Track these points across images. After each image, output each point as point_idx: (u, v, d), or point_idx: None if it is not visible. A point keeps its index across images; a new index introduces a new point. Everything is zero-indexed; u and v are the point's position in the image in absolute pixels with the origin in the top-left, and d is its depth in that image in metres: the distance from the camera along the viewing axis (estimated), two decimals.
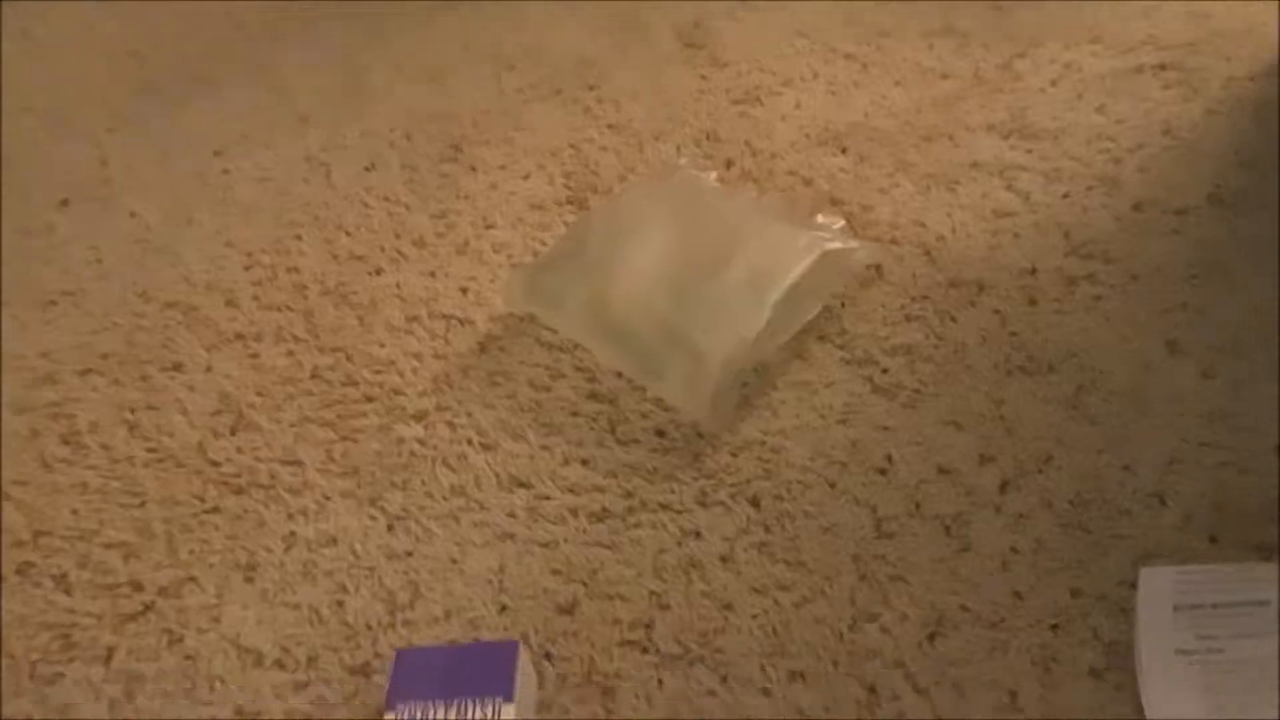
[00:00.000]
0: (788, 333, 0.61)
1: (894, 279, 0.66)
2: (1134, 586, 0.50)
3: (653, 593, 0.52)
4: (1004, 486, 0.55)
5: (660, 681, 0.48)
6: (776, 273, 0.61)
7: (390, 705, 0.42)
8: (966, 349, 0.62)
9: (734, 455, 0.58)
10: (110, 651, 0.51)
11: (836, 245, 0.64)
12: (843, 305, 0.65)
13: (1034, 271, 0.66)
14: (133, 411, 0.63)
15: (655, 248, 0.63)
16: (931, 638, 0.49)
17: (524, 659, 0.45)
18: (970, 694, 0.47)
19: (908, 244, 0.68)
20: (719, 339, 0.58)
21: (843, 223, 0.67)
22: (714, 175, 0.71)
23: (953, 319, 0.64)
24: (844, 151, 0.76)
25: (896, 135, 0.76)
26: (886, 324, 0.64)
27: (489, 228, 0.73)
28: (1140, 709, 0.46)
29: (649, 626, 0.50)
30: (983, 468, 0.56)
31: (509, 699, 0.42)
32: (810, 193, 0.73)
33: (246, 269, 0.72)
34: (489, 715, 0.42)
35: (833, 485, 0.56)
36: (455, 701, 0.42)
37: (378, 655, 0.50)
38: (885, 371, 0.61)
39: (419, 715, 0.42)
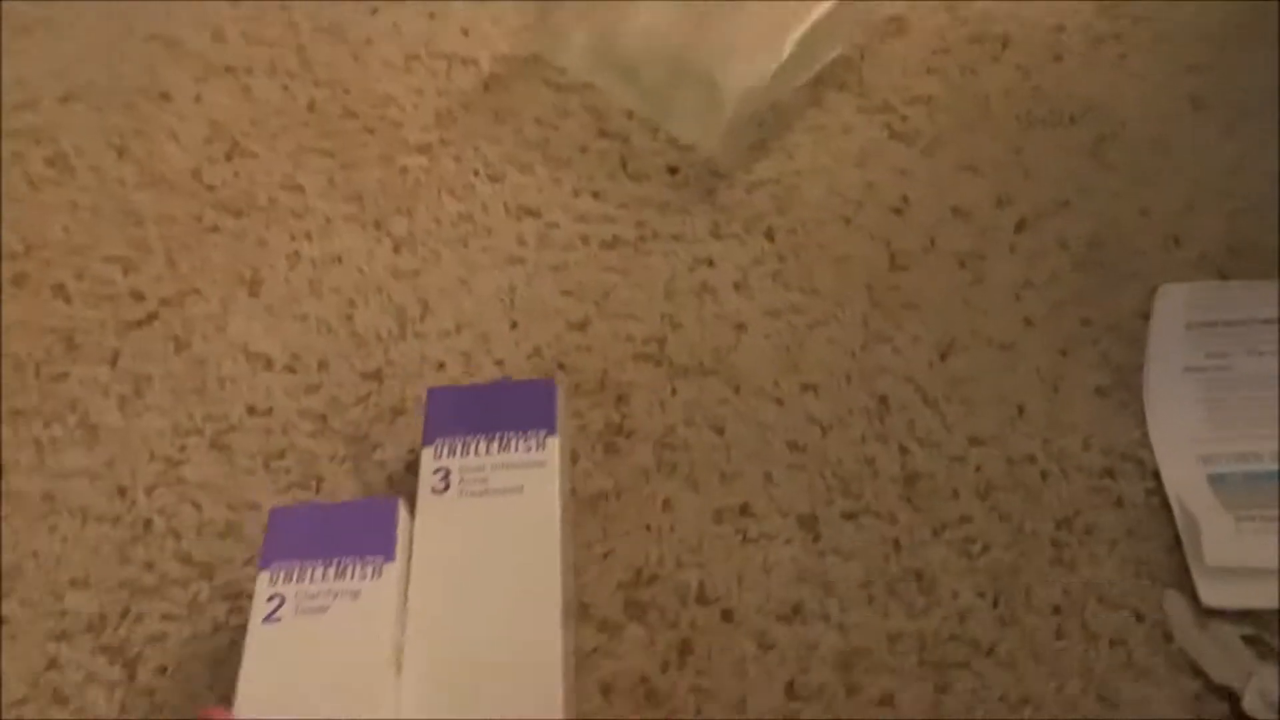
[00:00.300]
0: (807, 73, 0.59)
1: (915, 32, 0.64)
2: (1145, 318, 0.50)
3: (665, 314, 0.51)
4: (1020, 226, 0.55)
5: (674, 390, 0.48)
6: (798, 11, 0.59)
7: (429, 440, 0.41)
8: (988, 100, 0.61)
9: (748, 192, 0.56)
10: (115, 354, 0.50)
11: None
12: (862, 57, 0.63)
13: (1061, 29, 0.64)
14: (121, 137, 0.60)
15: None
16: (943, 357, 0.50)
17: (562, 395, 0.44)
18: (979, 408, 0.48)
19: None
20: (736, 71, 0.56)
21: None
22: None
23: (974, 72, 0.62)
24: None
25: None
26: (906, 75, 0.62)
27: None
28: (1143, 424, 0.47)
29: (661, 343, 0.50)
30: (999, 209, 0.56)
31: (552, 432, 0.41)
32: None
33: (233, 4, 0.68)
34: (533, 448, 0.41)
35: (848, 221, 0.55)
36: (497, 436, 0.41)
37: (390, 362, 0.50)
38: (904, 119, 0.60)
39: (459, 449, 0.41)
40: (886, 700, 0.40)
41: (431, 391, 0.43)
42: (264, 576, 0.37)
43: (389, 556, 0.38)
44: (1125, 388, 0.48)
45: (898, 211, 0.56)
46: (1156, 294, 0.49)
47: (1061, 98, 0.60)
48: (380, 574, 0.37)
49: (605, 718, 0.39)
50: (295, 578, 0.37)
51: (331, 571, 0.37)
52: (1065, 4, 0.65)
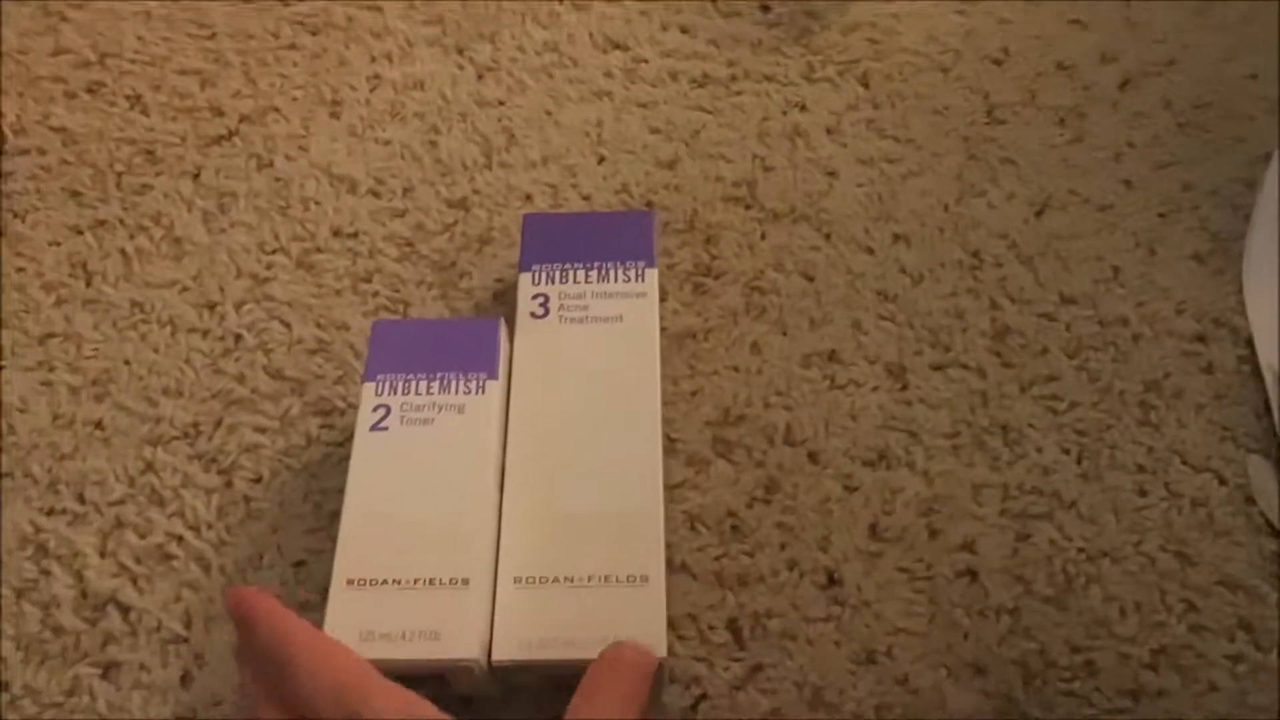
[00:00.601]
0: None
1: None
2: (1247, 185, 0.49)
3: (756, 155, 0.50)
4: (1124, 85, 0.53)
5: (763, 234, 0.48)
6: None
7: (526, 265, 0.41)
8: None
9: (843, 35, 0.54)
10: (198, 169, 0.49)
11: None
12: None
13: None
14: None
15: None
16: (1038, 214, 0.48)
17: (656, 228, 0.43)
18: (1073, 266, 0.47)
19: None
20: None
21: None
22: None
23: None
24: None
25: None
26: None
27: None
28: (1238, 291, 0.46)
29: (752, 185, 0.49)
30: (1103, 66, 0.53)
31: (651, 264, 0.41)
32: None
33: None
34: (633, 278, 0.40)
35: (945, 71, 0.53)
36: (595, 265, 0.41)
37: (475, 191, 0.49)
38: None
39: (557, 276, 0.40)
40: (967, 546, 0.41)
41: (528, 217, 0.42)
42: (369, 387, 0.37)
43: (492, 374, 0.38)
44: (1223, 254, 0.47)
45: (997, 62, 0.54)
46: (1272, 159, 0.47)
47: None
48: (484, 390, 0.37)
49: (692, 547, 0.40)
50: (400, 389, 0.37)
51: (436, 385, 0.37)
52: None
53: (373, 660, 0.31)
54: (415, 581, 0.34)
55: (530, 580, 0.34)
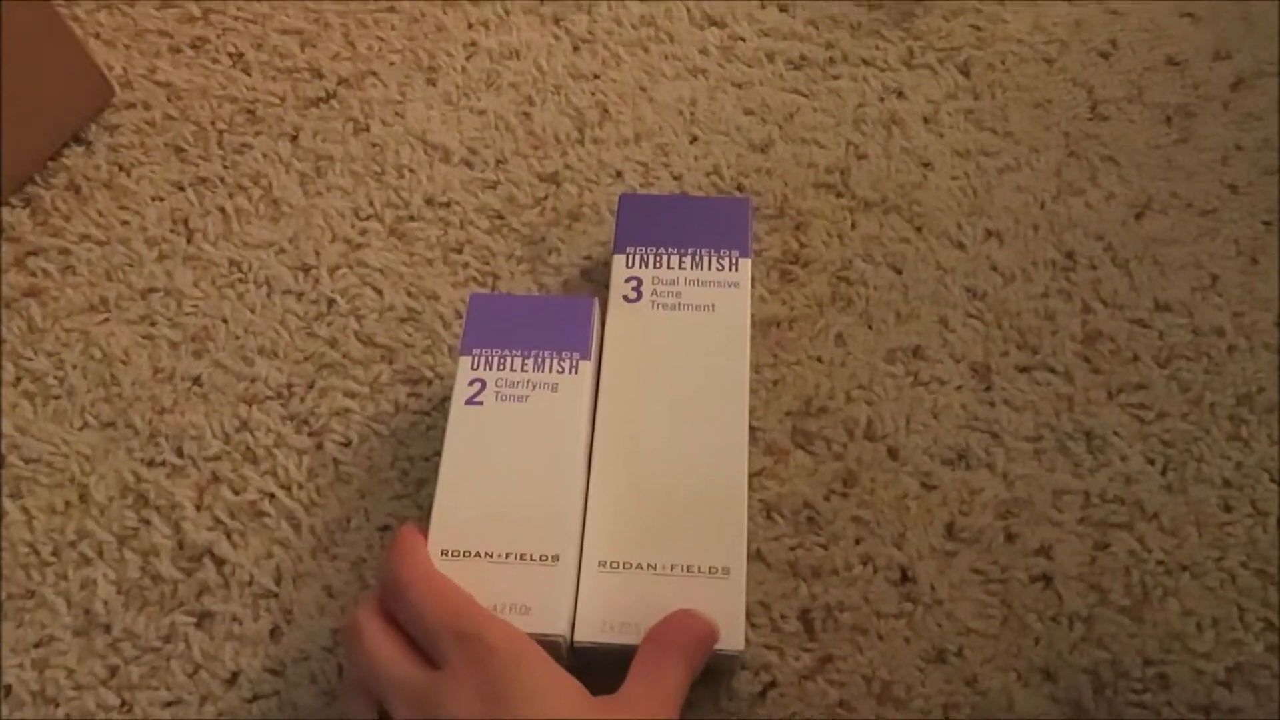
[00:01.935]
0: None
1: None
2: None
3: (850, 142, 0.49)
4: (1236, 85, 0.51)
5: (854, 224, 0.47)
6: None
7: (620, 247, 0.41)
8: None
9: (946, 20, 0.53)
10: (296, 131, 0.50)
11: None
12: None
13: None
14: None
15: None
16: (1138, 216, 0.47)
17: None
18: (1170, 272, 0.46)
19: None
20: None
21: None
22: None
23: None
24: None
25: None
26: None
27: None
28: None
29: (845, 173, 0.49)
30: (1216, 63, 0.52)
31: (746, 253, 0.41)
32: None
33: None
34: (727, 267, 0.40)
35: (1050, 62, 0.52)
36: (690, 250, 0.41)
37: (567, 166, 0.49)
38: None
39: (651, 260, 0.41)
40: (1044, 551, 0.41)
41: (624, 197, 0.42)
42: (465, 361, 0.38)
43: (585, 354, 0.38)
44: None
45: (1104, 55, 0.52)
46: None
47: None
48: (577, 370, 0.38)
49: (767, 536, 0.41)
50: (496, 364, 0.38)
51: (531, 363, 0.38)
52: None
53: None
54: (507, 555, 0.34)
55: (614, 565, 0.35)
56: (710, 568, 0.35)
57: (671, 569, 0.35)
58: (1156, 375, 0.44)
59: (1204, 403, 0.43)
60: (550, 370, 0.38)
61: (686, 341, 0.39)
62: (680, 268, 0.40)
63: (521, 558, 0.34)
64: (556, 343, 0.38)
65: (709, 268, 0.40)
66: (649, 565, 0.35)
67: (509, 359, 0.38)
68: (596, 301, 0.40)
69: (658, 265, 0.40)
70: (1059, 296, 0.46)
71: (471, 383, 0.37)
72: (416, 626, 0.32)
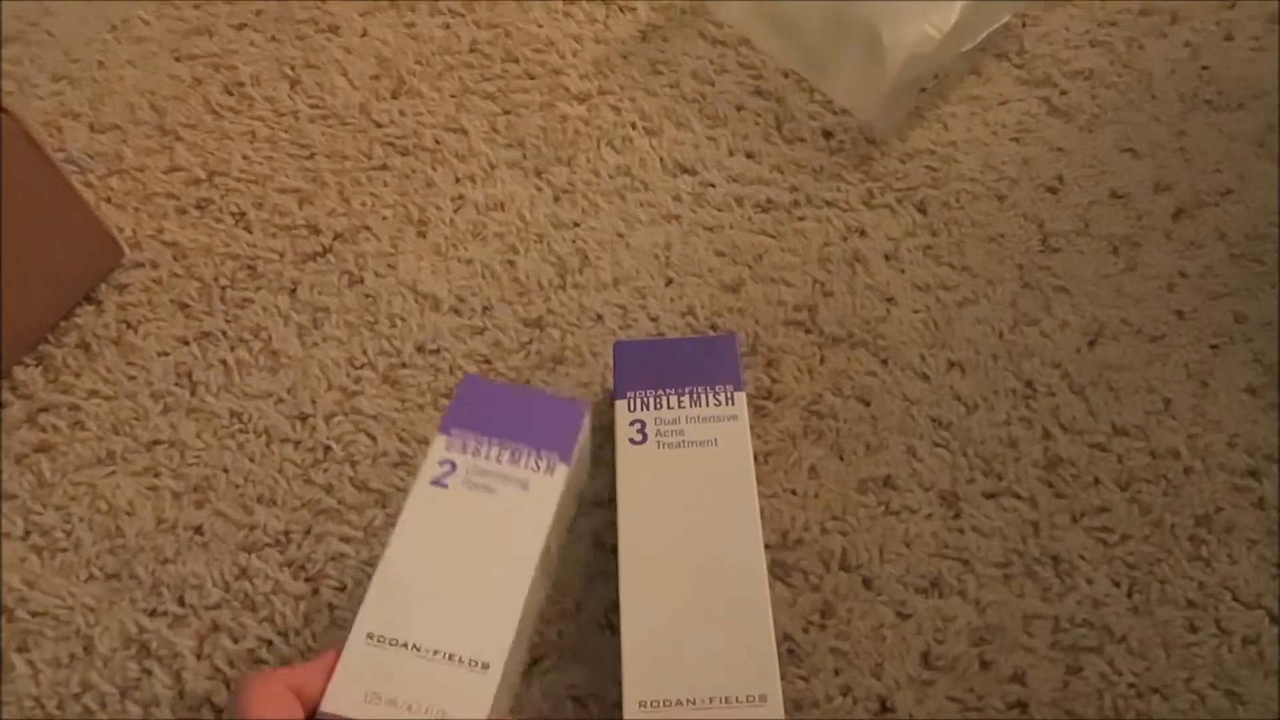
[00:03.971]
0: (971, 40, 0.58)
1: (1081, 2, 0.63)
2: None
3: (816, 280, 0.52)
4: (1177, 214, 0.54)
5: (822, 359, 0.50)
6: None
7: (621, 393, 0.43)
8: (1152, 79, 0.60)
9: (902, 162, 0.57)
10: (295, 285, 0.53)
11: None
12: (1024, 25, 0.62)
13: (1233, 6, 0.62)
14: (293, 68, 0.62)
15: None
16: (1091, 344, 0.50)
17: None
18: (1125, 397, 0.48)
19: None
20: (905, 33, 0.56)
21: None
22: None
23: (1140, 47, 0.61)
24: None
25: None
26: (1069, 47, 0.61)
27: None
28: None
29: (812, 310, 0.51)
30: (1157, 195, 0.55)
31: (739, 387, 0.43)
32: None
33: None
34: (723, 401, 0.42)
35: (1001, 199, 0.55)
36: (687, 390, 0.43)
37: (550, 311, 0.52)
38: (1064, 94, 0.59)
39: (652, 402, 0.42)
40: (1018, 677, 0.42)
41: (619, 345, 0.45)
42: (440, 440, 0.38)
43: (565, 458, 0.38)
44: (1276, 388, 0.48)
45: (1052, 190, 0.56)
46: None
47: (1230, 81, 0.59)
48: (552, 472, 0.38)
49: None
50: (470, 450, 0.38)
51: (507, 455, 0.38)
52: None
53: None
54: (435, 653, 0.33)
55: (655, 704, 0.36)
56: (748, 696, 0.36)
57: (710, 701, 0.36)
58: (1118, 498, 0.46)
59: (1164, 524, 0.45)
60: (525, 466, 0.38)
61: (695, 477, 0.41)
62: (680, 407, 0.42)
63: (450, 658, 0.33)
64: (538, 440, 0.38)
65: (707, 404, 0.42)
66: (689, 700, 0.36)
67: (484, 448, 0.38)
68: (588, 405, 0.40)
69: (658, 407, 0.42)
70: (1020, 424, 0.48)
71: (442, 463, 0.37)
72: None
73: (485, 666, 0.33)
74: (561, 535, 0.41)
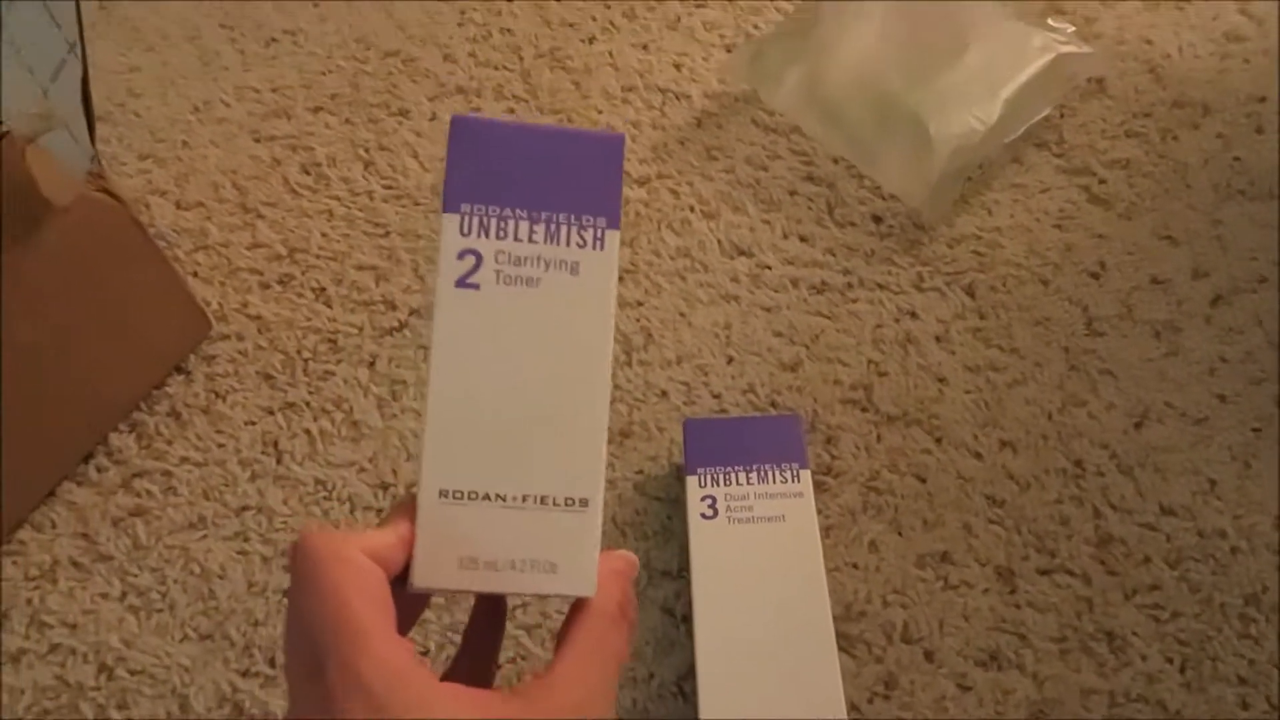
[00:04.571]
0: (1013, 132, 0.62)
1: (1116, 93, 0.66)
2: None
3: (871, 361, 0.55)
4: (1215, 301, 0.57)
5: (879, 437, 0.52)
6: (1011, 68, 0.61)
7: (692, 469, 0.45)
8: (1187, 168, 0.62)
9: (950, 247, 0.60)
10: (374, 358, 0.56)
11: (1070, 49, 0.63)
12: (1062, 115, 0.65)
13: (1262, 99, 0.65)
14: (366, 150, 0.66)
15: (884, 29, 0.64)
16: (1137, 426, 0.52)
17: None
18: (1171, 478, 0.50)
19: (1132, 60, 0.68)
20: (951, 126, 0.59)
21: (1073, 29, 0.66)
22: None
23: (1175, 138, 0.64)
24: None
25: None
26: (1106, 137, 0.64)
27: (699, 6, 0.73)
28: None
29: (868, 389, 0.54)
30: (1195, 281, 0.58)
31: (804, 465, 0.45)
32: None
33: (459, 25, 0.73)
34: (790, 479, 0.45)
35: (1046, 283, 0.58)
36: (755, 467, 0.45)
37: (616, 387, 0.54)
38: (1103, 183, 0.62)
39: (721, 478, 0.45)
40: None
41: (689, 422, 0.47)
42: (451, 220, 0.28)
43: (613, 221, 0.29)
44: None
45: (1094, 276, 0.58)
46: None
47: (1262, 171, 0.62)
48: (603, 244, 0.29)
49: None
50: (494, 231, 0.28)
51: (541, 231, 0.28)
52: (1267, 75, 0.66)
53: (475, 591, 0.27)
54: (524, 499, 0.28)
55: None
56: None
57: None
58: (1168, 576, 0.48)
59: (1214, 603, 0.47)
60: (568, 242, 0.28)
61: (764, 552, 0.43)
62: (749, 483, 0.45)
63: (542, 501, 0.28)
64: (575, 202, 0.28)
65: (774, 481, 0.45)
66: None
67: (512, 224, 0.28)
68: (624, 137, 0.33)
69: (728, 483, 0.45)
70: (1071, 502, 0.50)
71: (461, 255, 0.28)
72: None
73: (584, 503, 0.28)
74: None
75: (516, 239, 0.28)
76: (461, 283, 0.28)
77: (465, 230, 0.28)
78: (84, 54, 0.45)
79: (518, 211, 0.28)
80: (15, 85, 0.45)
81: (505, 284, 0.28)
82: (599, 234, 0.29)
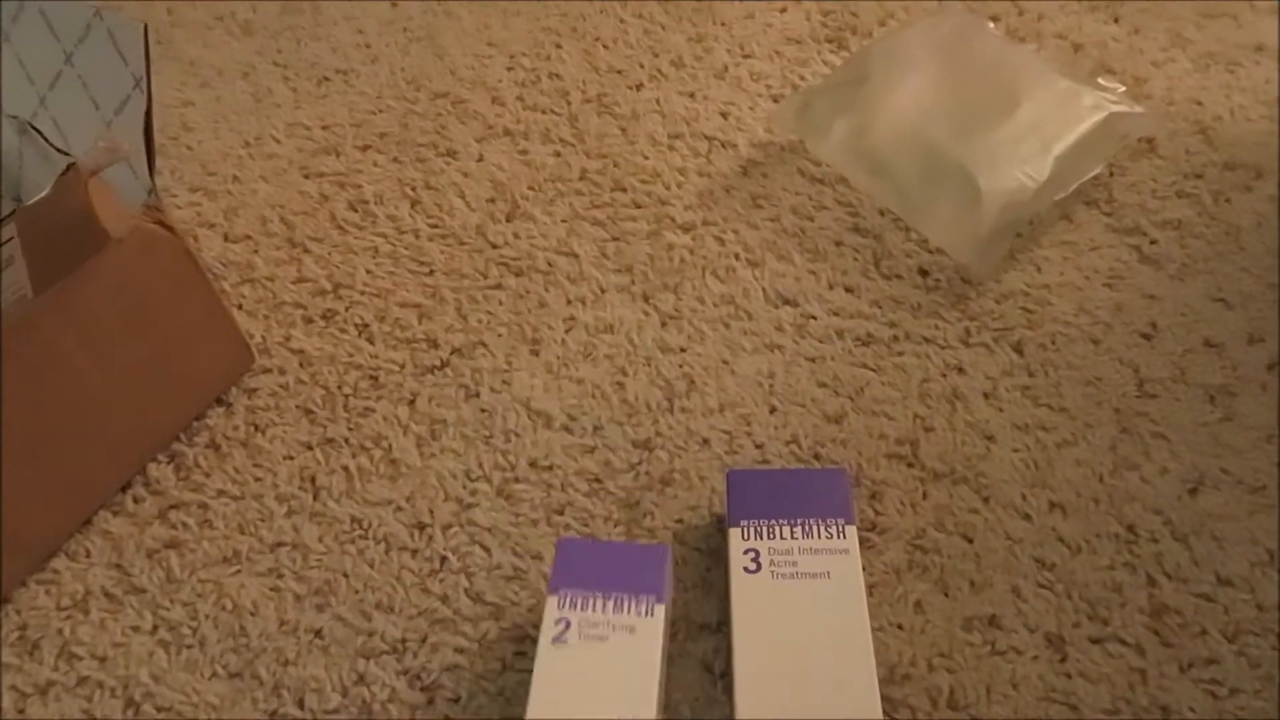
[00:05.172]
0: (1063, 190, 0.61)
1: (1166, 154, 0.65)
2: None
3: (917, 415, 0.54)
4: (1271, 367, 0.55)
5: (925, 494, 0.51)
6: (1063, 125, 0.61)
7: (734, 521, 0.45)
8: (1240, 231, 0.62)
9: (998, 302, 0.59)
10: (414, 396, 0.55)
11: (1121, 109, 0.63)
12: (1111, 174, 0.65)
13: None
14: (413, 189, 0.66)
15: (933, 83, 0.64)
16: (1192, 492, 0.51)
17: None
18: (1228, 548, 0.49)
19: (1182, 121, 0.67)
20: (1002, 181, 0.59)
21: (1123, 89, 0.66)
22: (991, 24, 0.70)
23: (1227, 200, 0.63)
24: (1116, 20, 0.74)
25: (1174, 8, 0.74)
26: (1157, 197, 0.64)
27: (746, 56, 0.74)
28: None
29: (914, 444, 0.53)
30: (1250, 346, 0.56)
31: (850, 520, 0.44)
32: (1081, 58, 0.71)
33: (509, 69, 0.74)
34: (835, 534, 0.44)
35: (1096, 342, 0.57)
36: (800, 521, 0.45)
37: (658, 434, 0.54)
38: (1154, 243, 0.61)
39: (765, 532, 0.44)
40: None
41: (732, 474, 0.46)
42: (552, 600, 0.42)
43: (661, 599, 0.42)
44: None
45: (1146, 337, 0.57)
46: None
47: None
48: (653, 613, 0.41)
49: None
50: (579, 605, 0.42)
51: (610, 605, 0.42)
52: None
53: None
54: None
55: None
56: None
57: None
58: (1225, 650, 0.46)
59: (1275, 680, 0.45)
60: (629, 612, 0.41)
61: (808, 609, 0.42)
62: (793, 538, 0.44)
63: None
64: (634, 586, 0.42)
65: (819, 536, 0.44)
66: None
67: (591, 600, 0.42)
68: (669, 549, 0.44)
69: (771, 536, 0.44)
70: (1124, 569, 0.48)
71: (558, 621, 0.41)
72: None
73: None
74: (665, 661, 0.43)
75: (593, 610, 0.42)
76: (556, 640, 0.42)
77: (559, 605, 0.43)
78: (149, 89, 0.46)
79: (594, 592, 0.42)
80: (81, 118, 0.46)
81: (584, 639, 0.42)
82: (650, 606, 0.42)
